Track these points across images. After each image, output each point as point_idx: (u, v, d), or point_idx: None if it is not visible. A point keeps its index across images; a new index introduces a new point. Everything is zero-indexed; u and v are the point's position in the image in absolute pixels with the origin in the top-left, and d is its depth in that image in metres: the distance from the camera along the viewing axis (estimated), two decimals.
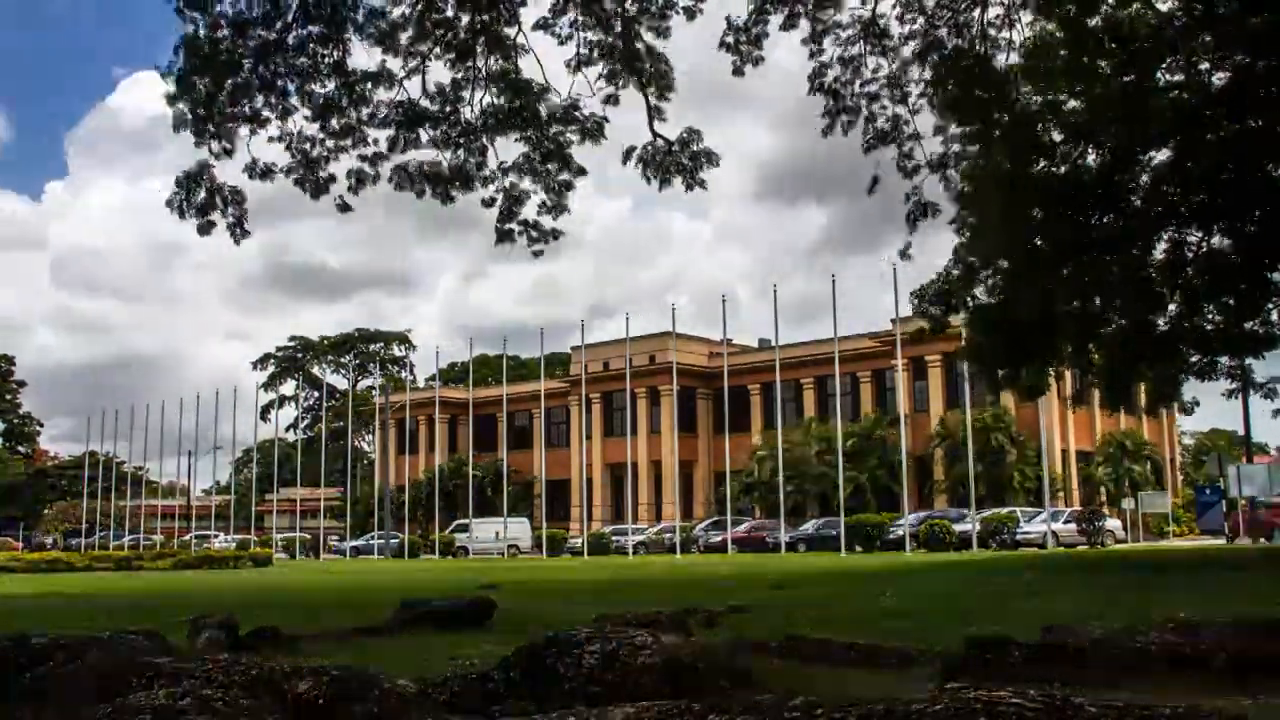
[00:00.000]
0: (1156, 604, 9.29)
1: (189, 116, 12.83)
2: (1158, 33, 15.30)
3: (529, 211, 14.32)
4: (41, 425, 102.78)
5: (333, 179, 13.91)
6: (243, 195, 13.50)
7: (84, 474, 71.87)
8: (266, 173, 13.59)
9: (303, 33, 13.04)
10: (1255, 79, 15.52)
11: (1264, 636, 5.00)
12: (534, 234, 14.33)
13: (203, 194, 13.23)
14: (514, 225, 14.30)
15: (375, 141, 13.86)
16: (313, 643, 7.28)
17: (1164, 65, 16.27)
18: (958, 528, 39.34)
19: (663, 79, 13.66)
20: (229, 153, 13.19)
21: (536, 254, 14.49)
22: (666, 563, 33.72)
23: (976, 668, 4.64)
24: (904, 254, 16.38)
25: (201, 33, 12.59)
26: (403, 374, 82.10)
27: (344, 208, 14.02)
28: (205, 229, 13.36)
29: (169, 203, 13.31)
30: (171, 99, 12.81)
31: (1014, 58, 15.42)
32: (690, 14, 13.46)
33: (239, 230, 13.47)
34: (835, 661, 5.58)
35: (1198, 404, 24.06)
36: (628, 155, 14.09)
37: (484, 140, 14.04)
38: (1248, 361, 21.09)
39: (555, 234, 14.37)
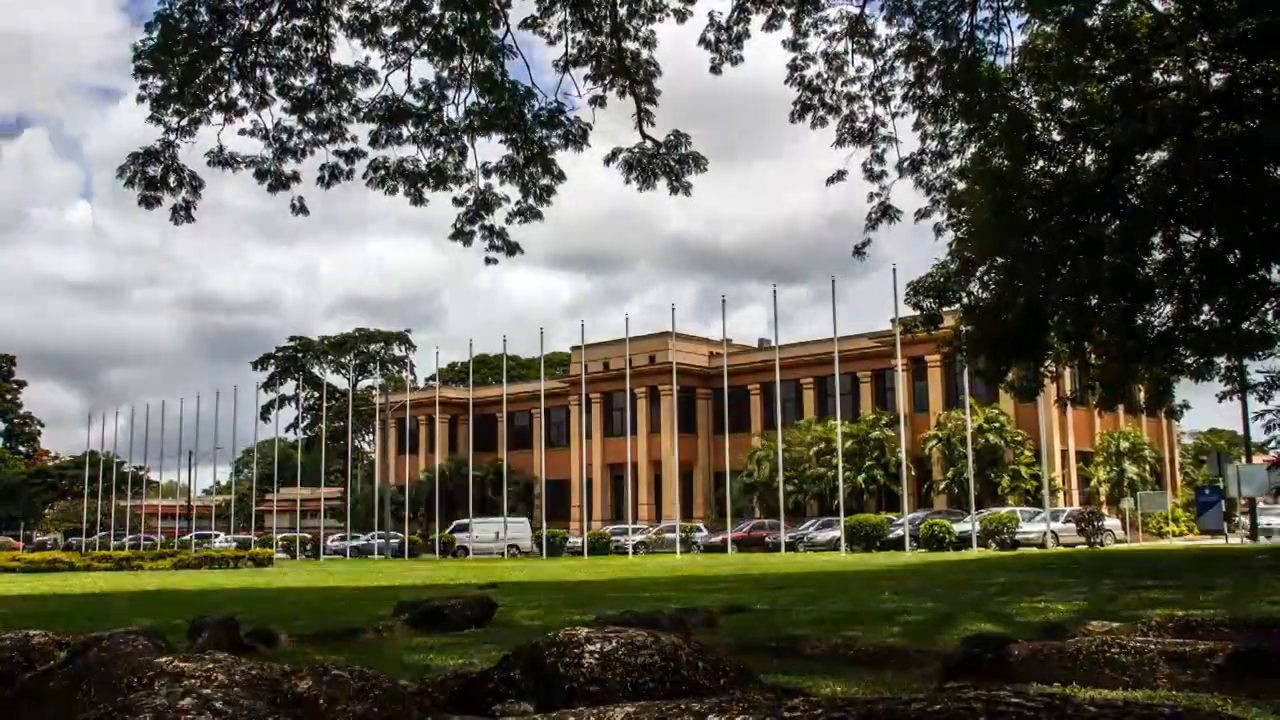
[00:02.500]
0: (1156, 604, 9.31)
1: (156, 93, 12.61)
2: (1155, 32, 15.32)
3: (498, 218, 14.06)
4: (42, 425, 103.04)
5: (296, 177, 13.62)
6: (201, 182, 13.30)
7: (84, 474, 71.93)
8: (229, 162, 13.41)
9: (286, 25, 12.92)
10: (1253, 80, 15.55)
11: (1264, 636, 5.00)
12: (497, 241, 14.20)
13: (160, 170, 13.00)
14: (475, 228, 14.14)
15: (354, 138, 13.63)
16: (312, 643, 7.28)
17: (1161, 65, 16.29)
18: (957, 528, 39.39)
19: (649, 82, 13.52)
20: (187, 131, 12.89)
21: (490, 261, 14.22)
22: (666, 563, 33.73)
23: (976, 668, 4.65)
24: (858, 251, 16.40)
25: (177, 11, 12.39)
26: (403, 374, 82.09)
27: (300, 209, 13.77)
28: (150, 203, 13.06)
29: (121, 170, 13.06)
30: (139, 72, 12.63)
31: (1003, 60, 15.44)
32: (681, 16, 13.36)
33: (184, 214, 13.21)
34: (835, 661, 5.59)
35: (1187, 407, 24.09)
36: (612, 157, 13.90)
37: (465, 140, 13.87)
38: (1244, 361, 21.11)
39: (516, 247, 14.18)
